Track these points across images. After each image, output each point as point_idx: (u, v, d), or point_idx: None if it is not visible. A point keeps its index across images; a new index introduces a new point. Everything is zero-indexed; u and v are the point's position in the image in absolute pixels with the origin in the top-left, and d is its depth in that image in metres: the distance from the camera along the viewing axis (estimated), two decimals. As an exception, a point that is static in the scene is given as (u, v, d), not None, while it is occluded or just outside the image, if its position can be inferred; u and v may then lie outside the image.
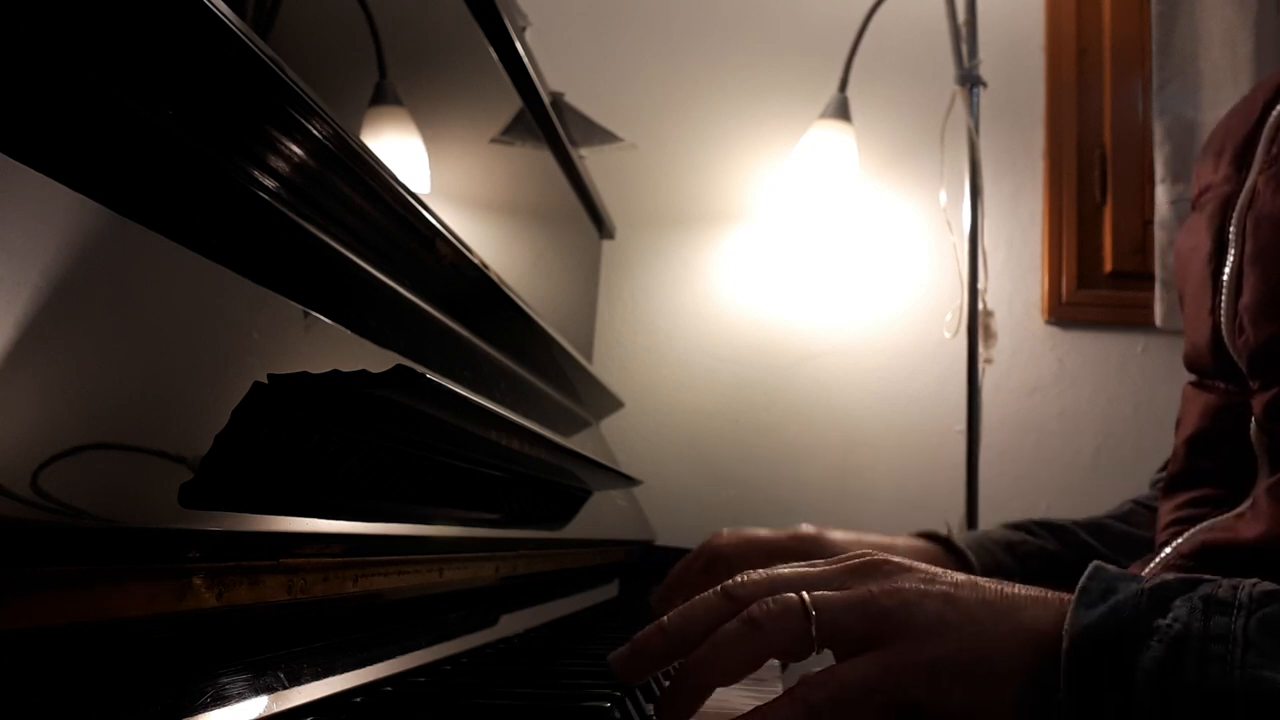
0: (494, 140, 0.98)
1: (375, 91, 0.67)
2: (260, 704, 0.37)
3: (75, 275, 0.30)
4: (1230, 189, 0.66)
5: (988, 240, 1.57)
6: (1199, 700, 0.36)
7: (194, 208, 0.40)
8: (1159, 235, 1.69)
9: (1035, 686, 0.39)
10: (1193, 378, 0.71)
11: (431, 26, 0.81)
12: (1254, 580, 0.40)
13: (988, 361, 1.51)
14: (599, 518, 1.02)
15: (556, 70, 1.38)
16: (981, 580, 0.43)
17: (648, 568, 1.30)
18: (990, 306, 1.52)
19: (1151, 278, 1.71)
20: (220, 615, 0.35)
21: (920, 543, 0.92)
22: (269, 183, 0.44)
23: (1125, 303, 1.75)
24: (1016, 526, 0.94)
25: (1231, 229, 0.64)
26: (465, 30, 0.89)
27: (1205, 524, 0.64)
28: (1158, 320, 1.69)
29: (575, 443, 0.72)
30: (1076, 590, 0.41)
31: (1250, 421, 0.63)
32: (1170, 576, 0.41)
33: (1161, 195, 1.68)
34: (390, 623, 0.52)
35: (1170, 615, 0.39)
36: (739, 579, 0.45)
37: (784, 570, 0.45)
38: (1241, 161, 0.66)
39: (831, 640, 0.42)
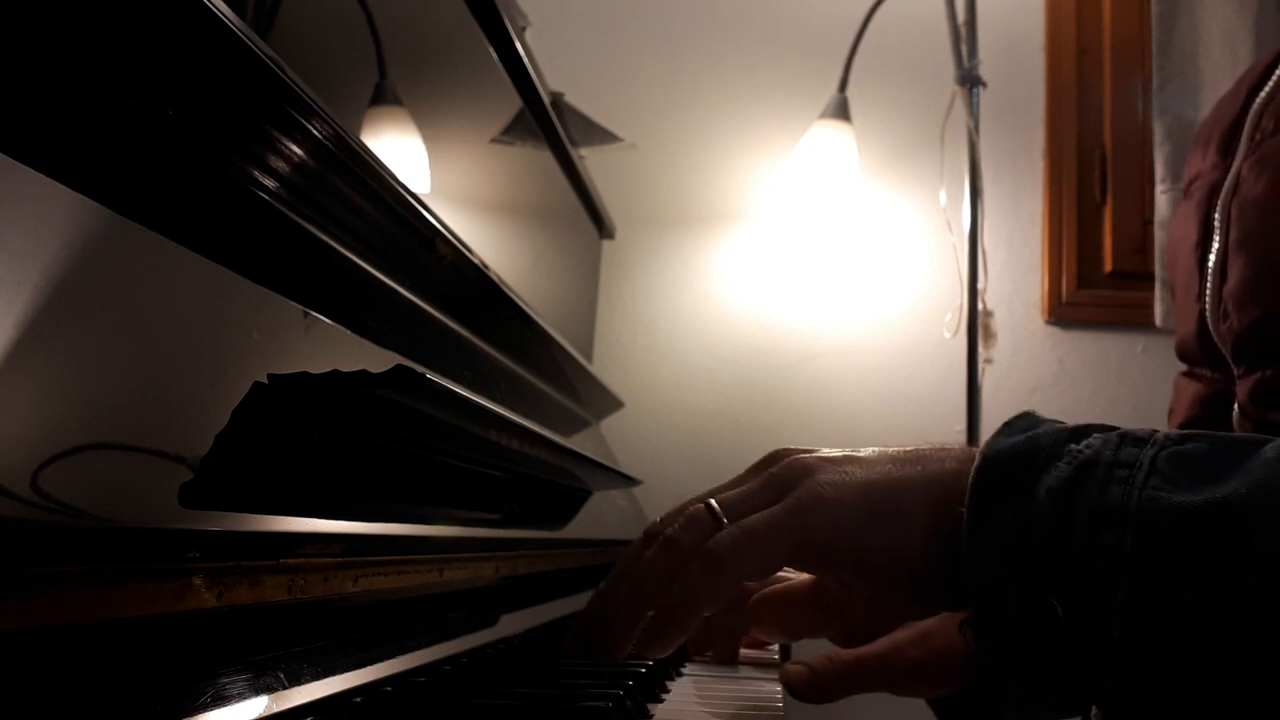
0: (494, 140, 0.98)
1: (375, 91, 0.67)
2: (260, 704, 0.37)
3: (75, 275, 0.30)
4: (1216, 176, 0.65)
5: (988, 240, 1.57)
6: (1090, 515, 0.36)
7: (194, 208, 0.40)
8: (1159, 235, 1.69)
9: (946, 515, 0.40)
10: (1184, 367, 0.71)
11: (431, 26, 0.81)
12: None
13: (988, 361, 1.50)
14: (599, 518, 1.02)
15: (556, 70, 1.38)
16: (891, 448, 0.44)
17: (648, 568, 1.30)
18: (990, 306, 1.52)
19: (1151, 278, 1.71)
20: (220, 615, 0.35)
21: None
22: (269, 183, 0.44)
23: (1125, 303, 1.75)
24: None
25: (1216, 215, 0.64)
26: (465, 30, 0.89)
27: None
28: (1158, 320, 1.69)
29: (575, 443, 0.72)
30: (1001, 425, 0.42)
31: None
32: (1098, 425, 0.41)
33: (1161, 195, 1.68)
34: (390, 623, 0.52)
35: (1084, 443, 0.39)
36: (654, 521, 0.45)
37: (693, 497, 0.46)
38: (1226, 149, 0.66)
39: (743, 518, 0.42)
